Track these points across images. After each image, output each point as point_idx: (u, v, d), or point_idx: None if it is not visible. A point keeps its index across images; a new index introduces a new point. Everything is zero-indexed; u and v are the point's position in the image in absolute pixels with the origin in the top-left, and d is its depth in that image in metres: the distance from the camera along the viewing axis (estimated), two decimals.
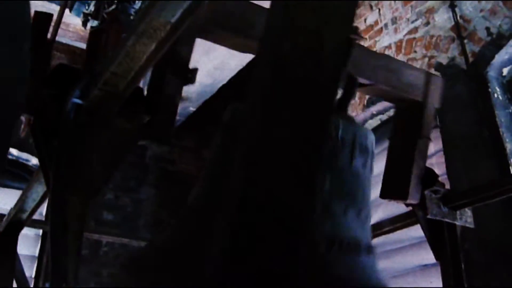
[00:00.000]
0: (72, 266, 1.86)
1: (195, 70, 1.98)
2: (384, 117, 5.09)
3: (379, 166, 2.16)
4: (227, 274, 0.72)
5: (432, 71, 4.47)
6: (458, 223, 2.66)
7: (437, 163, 4.20)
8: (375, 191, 2.07)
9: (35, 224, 3.83)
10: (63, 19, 5.52)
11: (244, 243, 0.73)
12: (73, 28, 5.82)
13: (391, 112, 4.82)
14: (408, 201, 2.43)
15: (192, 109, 5.62)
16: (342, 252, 1.65)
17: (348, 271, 1.65)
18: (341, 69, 0.80)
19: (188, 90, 5.18)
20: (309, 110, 0.78)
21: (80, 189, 1.97)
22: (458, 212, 2.67)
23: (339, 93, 1.92)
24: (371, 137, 1.91)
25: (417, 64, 4.66)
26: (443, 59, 4.47)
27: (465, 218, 2.70)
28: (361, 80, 2.22)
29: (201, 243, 1.55)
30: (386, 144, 2.54)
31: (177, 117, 6.70)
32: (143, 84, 2.17)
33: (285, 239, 0.73)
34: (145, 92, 2.06)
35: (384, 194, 2.45)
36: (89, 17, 2.38)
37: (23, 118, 2.13)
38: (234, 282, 0.71)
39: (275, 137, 0.75)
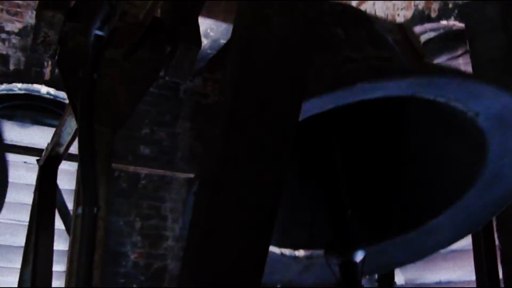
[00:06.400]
0: (103, 191, 1.95)
1: None
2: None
3: None
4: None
5: None
6: None
7: None
8: None
9: (72, 157, 3.94)
10: None
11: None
12: None
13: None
14: None
15: (222, 41, 5.62)
16: None
17: None
18: (314, 27, 0.85)
19: (217, 23, 5.17)
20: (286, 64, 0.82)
21: (106, 119, 2.04)
22: None
23: None
24: None
25: None
26: None
27: None
28: None
29: None
30: None
31: (208, 51, 6.65)
32: None
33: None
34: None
35: None
36: None
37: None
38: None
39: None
